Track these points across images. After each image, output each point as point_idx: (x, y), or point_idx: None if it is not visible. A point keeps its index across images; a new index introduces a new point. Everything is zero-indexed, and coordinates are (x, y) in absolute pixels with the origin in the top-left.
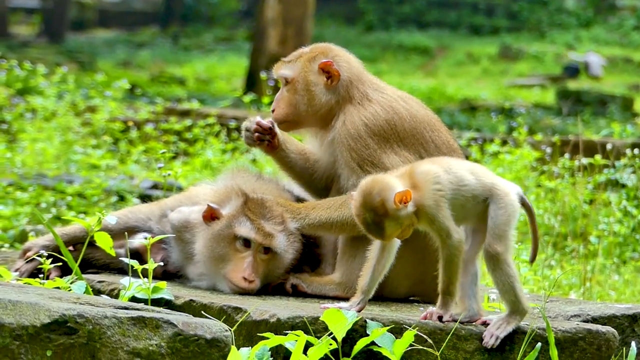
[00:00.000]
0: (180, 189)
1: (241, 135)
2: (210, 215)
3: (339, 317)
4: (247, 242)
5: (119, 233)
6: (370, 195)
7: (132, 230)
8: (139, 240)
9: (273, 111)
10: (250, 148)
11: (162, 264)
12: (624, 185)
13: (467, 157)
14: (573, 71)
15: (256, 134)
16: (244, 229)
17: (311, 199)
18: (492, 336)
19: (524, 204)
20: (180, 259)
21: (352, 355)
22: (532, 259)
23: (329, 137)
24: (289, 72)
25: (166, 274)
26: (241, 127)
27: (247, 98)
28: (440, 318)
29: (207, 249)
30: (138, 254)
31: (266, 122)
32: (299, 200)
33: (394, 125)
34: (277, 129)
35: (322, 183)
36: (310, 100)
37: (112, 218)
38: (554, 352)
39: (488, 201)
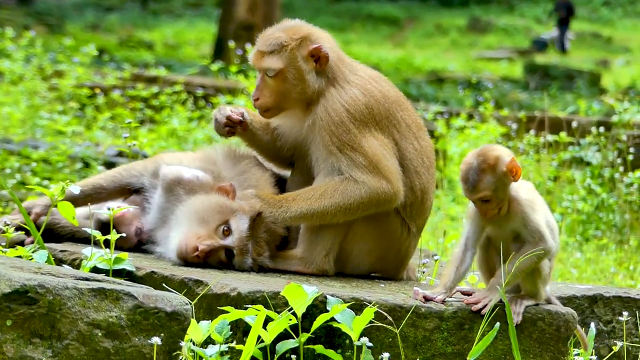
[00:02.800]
0: (145, 157)
1: (212, 123)
2: (225, 190)
3: (299, 293)
4: (226, 231)
5: (113, 192)
6: (491, 148)
7: (126, 189)
8: (105, 212)
9: (256, 100)
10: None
11: (135, 238)
12: (588, 163)
13: (432, 132)
14: (541, 45)
15: (227, 128)
16: (232, 238)
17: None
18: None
19: None
20: (156, 219)
21: (311, 331)
22: None
23: (309, 121)
24: (276, 64)
25: (139, 243)
26: (212, 115)
27: (215, 66)
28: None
29: (194, 207)
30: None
31: (236, 114)
32: (279, 177)
33: (372, 109)
34: (246, 115)
35: (287, 155)
36: (304, 88)
37: (75, 188)
38: (512, 332)
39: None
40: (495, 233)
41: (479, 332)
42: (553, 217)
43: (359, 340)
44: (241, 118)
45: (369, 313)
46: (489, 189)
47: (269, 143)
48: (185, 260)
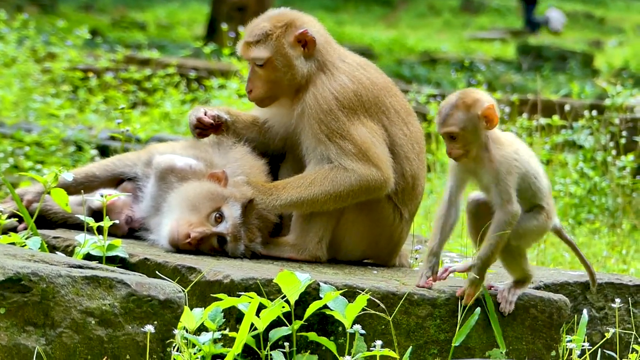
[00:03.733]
0: (138, 141)
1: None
2: (217, 177)
3: (292, 280)
4: (218, 218)
5: (106, 180)
6: (475, 91)
7: (119, 178)
8: (97, 199)
9: (250, 92)
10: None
11: (125, 227)
12: (581, 147)
13: (424, 115)
14: (534, 26)
15: (197, 130)
16: (225, 225)
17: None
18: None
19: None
20: (149, 207)
21: (304, 318)
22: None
23: (298, 109)
24: (263, 53)
25: (131, 230)
26: (188, 114)
27: (208, 49)
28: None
29: (185, 194)
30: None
31: (208, 118)
32: (270, 166)
33: (360, 96)
34: (224, 116)
35: (276, 147)
36: (294, 74)
37: (68, 174)
38: (494, 319)
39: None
40: (478, 188)
41: (463, 317)
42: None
43: (351, 327)
44: (213, 122)
45: (362, 300)
46: (456, 125)
47: (255, 140)
48: (177, 247)
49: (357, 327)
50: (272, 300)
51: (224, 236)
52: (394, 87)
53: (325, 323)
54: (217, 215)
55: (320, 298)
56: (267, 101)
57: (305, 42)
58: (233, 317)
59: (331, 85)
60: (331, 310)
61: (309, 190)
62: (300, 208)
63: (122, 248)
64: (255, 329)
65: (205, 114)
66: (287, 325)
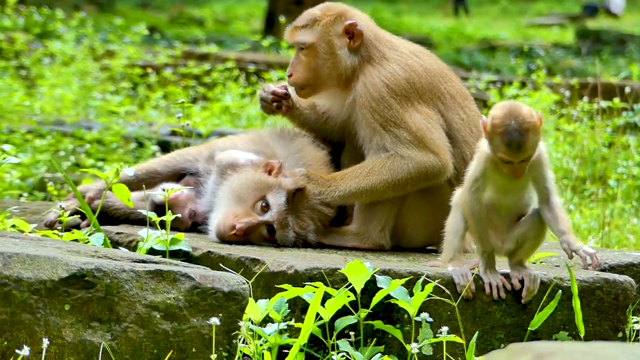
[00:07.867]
0: (199, 135)
1: (259, 104)
2: (270, 170)
3: (360, 269)
4: (264, 207)
5: (167, 176)
6: (519, 105)
7: (180, 173)
8: (159, 193)
9: (290, 76)
10: (268, 116)
11: (189, 221)
12: None
13: (485, 102)
14: (592, 10)
15: (274, 103)
16: (271, 213)
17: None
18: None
19: None
20: (211, 202)
21: (370, 307)
22: None
23: (350, 98)
24: (308, 38)
25: (194, 225)
26: (257, 96)
27: (266, 42)
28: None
29: (231, 186)
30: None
31: (280, 89)
32: (333, 155)
33: (413, 83)
34: (290, 92)
35: (335, 136)
36: (335, 63)
37: (129, 170)
38: (576, 303)
39: None
40: (501, 198)
41: (543, 303)
42: None
43: (418, 315)
44: (285, 91)
45: (428, 288)
46: (533, 148)
47: (316, 123)
48: (224, 239)
49: (425, 315)
50: (336, 289)
51: (272, 224)
52: (449, 72)
53: (390, 311)
54: (263, 204)
55: (380, 287)
56: (307, 89)
57: (353, 35)
58: (298, 308)
59: (381, 73)
60: (397, 299)
61: (367, 180)
62: (360, 198)
63: (185, 242)
64: (321, 318)
65: (275, 87)
66: (352, 314)
